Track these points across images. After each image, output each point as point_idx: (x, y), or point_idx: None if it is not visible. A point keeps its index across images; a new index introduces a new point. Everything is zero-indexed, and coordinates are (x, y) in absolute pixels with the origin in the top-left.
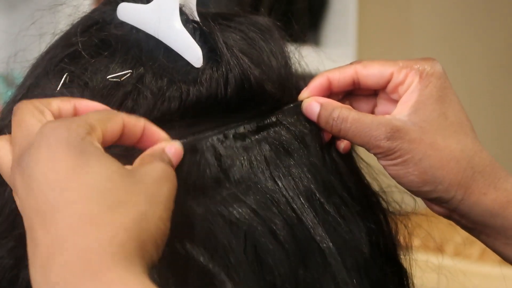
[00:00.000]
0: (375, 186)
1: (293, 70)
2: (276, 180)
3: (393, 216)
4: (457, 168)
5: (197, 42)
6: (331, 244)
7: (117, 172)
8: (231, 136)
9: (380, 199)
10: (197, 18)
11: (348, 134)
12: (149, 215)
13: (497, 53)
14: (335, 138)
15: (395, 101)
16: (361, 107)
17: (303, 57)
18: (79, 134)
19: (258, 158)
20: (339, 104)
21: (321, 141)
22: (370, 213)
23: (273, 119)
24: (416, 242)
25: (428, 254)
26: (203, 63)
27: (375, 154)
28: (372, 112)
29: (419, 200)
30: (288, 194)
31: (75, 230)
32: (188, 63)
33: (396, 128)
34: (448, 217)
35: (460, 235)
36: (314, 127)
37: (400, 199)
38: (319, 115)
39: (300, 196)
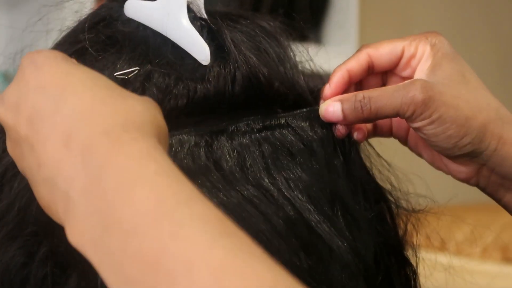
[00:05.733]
0: (386, 184)
1: (301, 72)
2: (274, 175)
3: (401, 214)
4: (489, 118)
5: (204, 40)
6: (338, 242)
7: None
8: (230, 131)
9: (390, 198)
10: (205, 16)
11: (380, 107)
12: (154, 108)
13: (499, 53)
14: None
15: (408, 78)
16: None
17: (311, 56)
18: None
19: (255, 155)
20: (356, 92)
21: (331, 148)
22: (377, 220)
23: (282, 120)
24: (419, 240)
25: (430, 253)
26: (210, 60)
27: (409, 117)
28: None
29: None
30: (287, 191)
31: (88, 112)
32: (195, 61)
33: (424, 81)
34: (474, 179)
35: (462, 233)
36: (326, 132)
37: (411, 198)
38: (344, 110)
39: (300, 194)
